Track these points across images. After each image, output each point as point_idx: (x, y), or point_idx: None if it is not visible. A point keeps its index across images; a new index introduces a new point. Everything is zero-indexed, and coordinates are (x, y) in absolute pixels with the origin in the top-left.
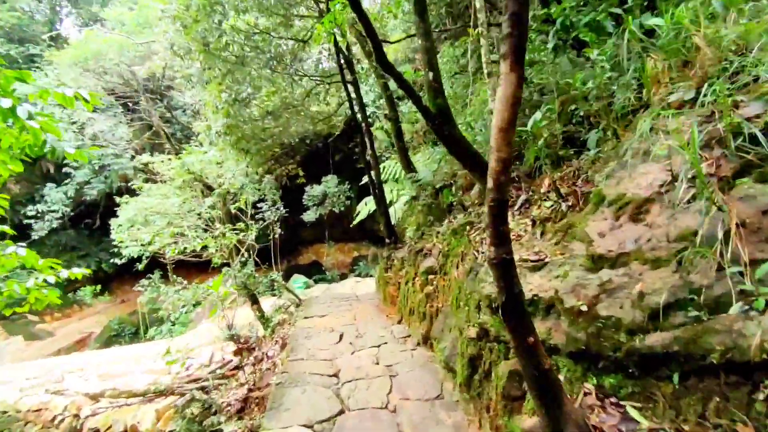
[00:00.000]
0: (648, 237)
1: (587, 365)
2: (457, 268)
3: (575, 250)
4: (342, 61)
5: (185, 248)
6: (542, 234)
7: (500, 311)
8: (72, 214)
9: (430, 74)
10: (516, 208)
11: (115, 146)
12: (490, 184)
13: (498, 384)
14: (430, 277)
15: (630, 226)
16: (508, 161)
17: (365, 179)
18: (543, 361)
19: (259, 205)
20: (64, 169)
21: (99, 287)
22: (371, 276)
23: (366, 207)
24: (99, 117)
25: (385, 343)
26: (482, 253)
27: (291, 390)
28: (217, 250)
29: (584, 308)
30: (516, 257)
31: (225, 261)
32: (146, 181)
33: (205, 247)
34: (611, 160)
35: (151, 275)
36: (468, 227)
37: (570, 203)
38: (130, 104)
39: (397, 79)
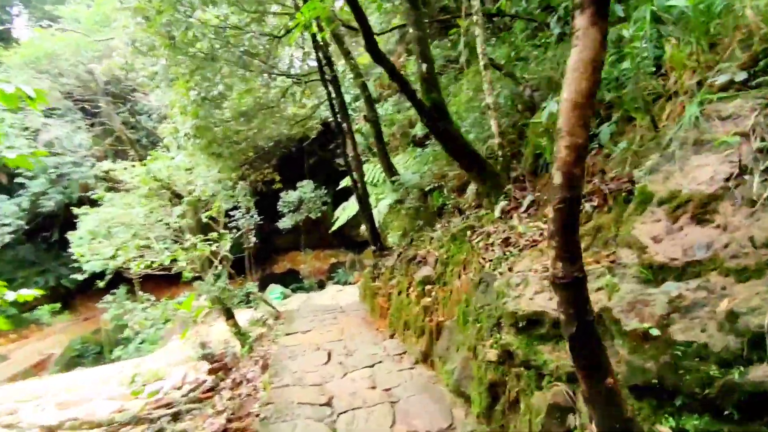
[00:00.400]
0: (725, 242)
1: (658, 402)
2: (460, 277)
3: (622, 257)
4: (321, 58)
5: (152, 262)
6: None
7: (568, 345)
8: (27, 227)
9: (424, 66)
10: (523, 209)
11: (73, 154)
12: (558, 179)
13: (532, 419)
14: (428, 287)
15: (694, 228)
16: (584, 148)
17: (343, 183)
18: (625, 409)
19: (232, 212)
20: (18, 179)
21: (59, 305)
22: (351, 283)
23: (344, 212)
24: (55, 122)
25: (380, 361)
26: (489, 261)
27: (279, 426)
28: (187, 263)
29: (655, 332)
30: (538, 266)
31: (197, 274)
32: (110, 190)
33: (174, 260)
34: (651, 153)
35: (115, 291)
36: (469, 232)
37: (595, 203)
38: (91, 108)
39: (390, 70)
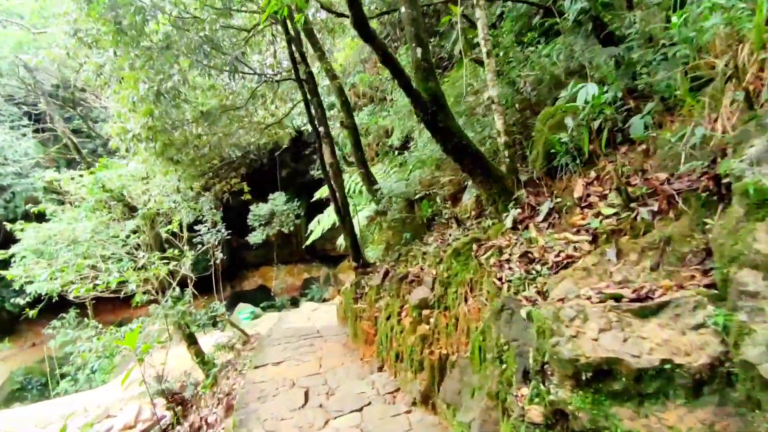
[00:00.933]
0: None
1: None
2: (467, 301)
3: (746, 281)
4: (294, 52)
5: (95, 285)
6: (618, 255)
7: None
8: None
9: (418, 51)
10: (540, 218)
11: (17, 164)
12: None
13: None
14: (425, 312)
15: None
16: None
17: (317, 195)
18: None
19: (197, 227)
20: None
21: None
22: (326, 300)
23: (319, 226)
24: None
25: (369, 403)
26: (507, 282)
27: None
28: (138, 285)
29: None
30: (588, 291)
31: (152, 297)
32: (61, 203)
33: (124, 282)
34: (751, 138)
35: (65, 315)
36: (475, 246)
37: (654, 208)
38: (37, 113)
39: (381, 51)
